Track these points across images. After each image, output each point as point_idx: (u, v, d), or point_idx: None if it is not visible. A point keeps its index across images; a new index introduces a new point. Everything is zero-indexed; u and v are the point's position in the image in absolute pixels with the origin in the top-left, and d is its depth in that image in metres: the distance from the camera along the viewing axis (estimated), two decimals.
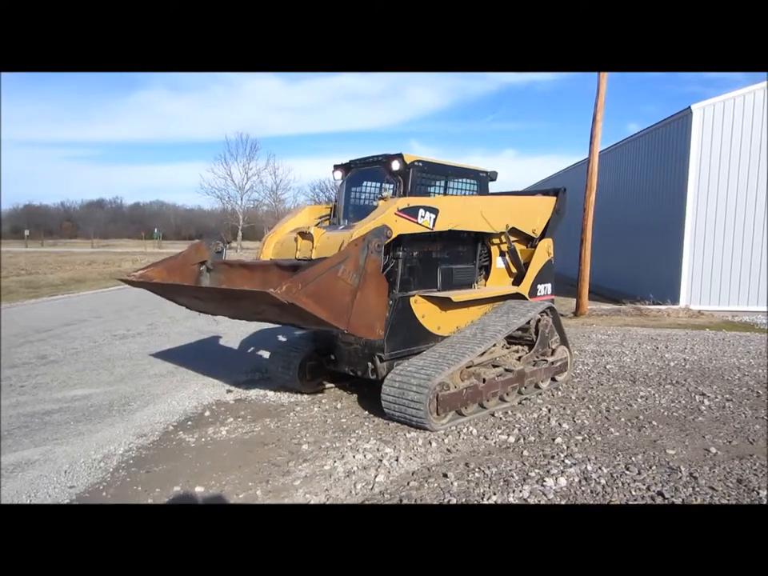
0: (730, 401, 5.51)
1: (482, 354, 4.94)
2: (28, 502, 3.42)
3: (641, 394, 5.72)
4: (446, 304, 5.11)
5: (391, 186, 5.19)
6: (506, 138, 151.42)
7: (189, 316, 10.89)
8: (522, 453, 4.09)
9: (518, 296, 5.98)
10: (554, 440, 4.34)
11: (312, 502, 3.40)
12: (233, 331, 9.14)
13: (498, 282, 6.07)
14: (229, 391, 5.85)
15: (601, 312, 12.32)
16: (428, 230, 4.81)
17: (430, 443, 4.30)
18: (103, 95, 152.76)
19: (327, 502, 3.40)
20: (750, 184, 12.79)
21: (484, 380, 4.87)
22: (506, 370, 5.17)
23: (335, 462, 3.99)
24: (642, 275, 15.08)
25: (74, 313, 11.57)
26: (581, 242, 11.86)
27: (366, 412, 5.09)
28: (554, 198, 6.52)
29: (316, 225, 5.28)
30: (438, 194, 5.59)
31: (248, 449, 4.32)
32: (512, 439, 4.39)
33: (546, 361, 5.73)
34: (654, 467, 3.84)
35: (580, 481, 3.60)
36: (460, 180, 5.75)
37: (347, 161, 5.58)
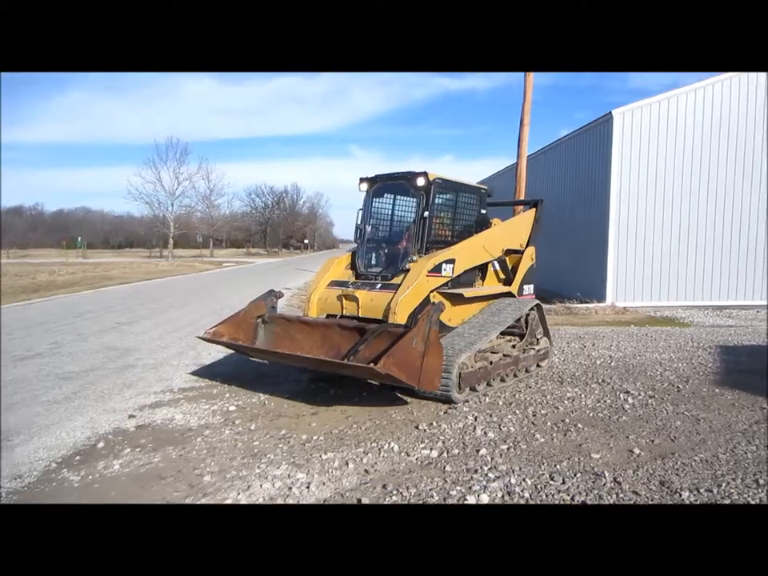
0: (653, 397, 5.57)
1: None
2: None
3: (567, 395, 5.66)
4: (456, 299, 5.93)
5: (414, 199, 6.03)
6: (446, 143, 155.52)
7: (98, 332, 10.02)
8: (444, 468, 3.83)
9: (509, 294, 6.90)
10: (478, 451, 4.12)
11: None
12: (147, 346, 8.43)
13: (492, 282, 6.99)
14: (131, 416, 5.23)
15: None
16: (449, 278, 5.86)
17: (347, 464, 3.95)
18: (21, 94, 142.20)
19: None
20: (667, 185, 13.43)
21: (491, 362, 5.74)
22: (505, 355, 6.01)
23: (239, 493, 3.54)
24: (571, 275, 15.52)
25: None
26: None
27: (283, 431, 4.68)
28: (534, 209, 7.43)
29: (349, 276, 6.14)
30: (449, 207, 6.40)
31: (141, 485, 3.78)
32: (435, 453, 4.12)
33: (534, 349, 6.58)
34: (578, 474, 3.69)
35: (503, 496, 3.38)
36: (466, 195, 6.60)
37: (373, 175, 6.37)
